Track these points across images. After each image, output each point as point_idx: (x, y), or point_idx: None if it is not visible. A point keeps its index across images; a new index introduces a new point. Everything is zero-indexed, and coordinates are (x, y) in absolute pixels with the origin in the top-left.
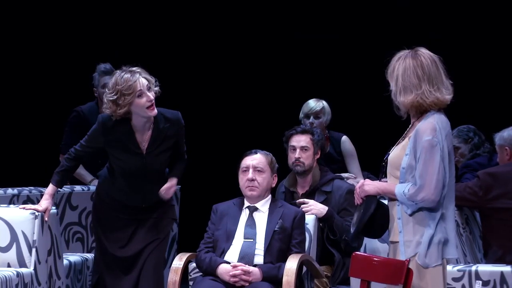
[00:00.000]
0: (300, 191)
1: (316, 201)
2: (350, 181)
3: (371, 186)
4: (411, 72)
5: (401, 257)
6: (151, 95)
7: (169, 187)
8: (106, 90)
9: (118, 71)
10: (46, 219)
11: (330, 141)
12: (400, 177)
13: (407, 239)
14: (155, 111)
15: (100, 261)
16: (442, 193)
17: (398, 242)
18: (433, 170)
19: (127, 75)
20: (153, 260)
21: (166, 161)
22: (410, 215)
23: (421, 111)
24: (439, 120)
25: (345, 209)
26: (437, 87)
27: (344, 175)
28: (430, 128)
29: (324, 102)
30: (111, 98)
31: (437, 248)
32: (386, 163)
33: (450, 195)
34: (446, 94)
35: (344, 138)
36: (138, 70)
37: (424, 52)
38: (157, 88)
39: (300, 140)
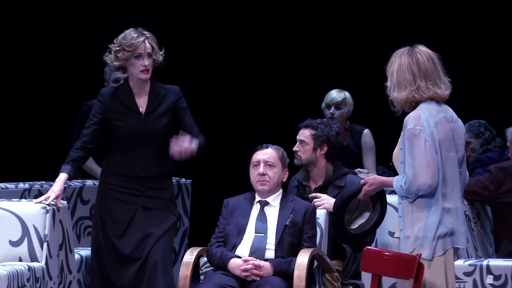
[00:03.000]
0: (313, 185)
1: (329, 195)
2: (362, 175)
3: (374, 185)
4: (405, 68)
5: (402, 250)
6: (148, 61)
7: (188, 143)
8: (114, 41)
9: (132, 28)
10: (60, 205)
11: (350, 133)
12: (400, 172)
13: (407, 235)
14: (147, 76)
15: (98, 251)
16: (438, 177)
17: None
18: (420, 157)
19: (135, 35)
20: (160, 253)
21: (165, 127)
22: (412, 202)
23: (416, 105)
24: (427, 109)
25: None
26: (435, 82)
27: (357, 170)
28: (413, 117)
29: (347, 93)
30: (113, 49)
31: (434, 241)
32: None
33: (453, 188)
34: (444, 90)
35: (366, 131)
36: (148, 35)
37: (421, 49)
38: (160, 58)
39: (301, 134)
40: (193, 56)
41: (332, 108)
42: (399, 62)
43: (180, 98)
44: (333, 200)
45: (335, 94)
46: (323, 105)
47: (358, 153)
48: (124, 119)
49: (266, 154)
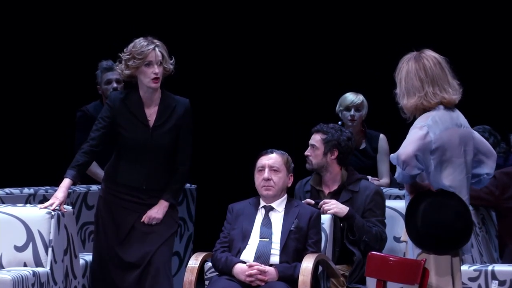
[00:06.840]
0: (326, 190)
1: (341, 199)
2: (373, 181)
3: None
4: (413, 75)
5: (409, 255)
6: (158, 69)
7: (157, 210)
8: (124, 50)
9: (142, 37)
10: (65, 210)
11: (366, 137)
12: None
13: None
14: (157, 84)
15: (100, 255)
16: (412, 163)
17: (406, 242)
18: (410, 140)
19: (145, 43)
20: (162, 259)
21: (172, 141)
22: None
23: (427, 112)
24: (437, 114)
25: (371, 209)
26: (443, 88)
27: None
28: (425, 116)
29: (362, 96)
30: (123, 57)
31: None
32: None
33: (461, 193)
34: (453, 95)
35: (382, 136)
36: (158, 43)
37: (428, 54)
38: (170, 67)
39: (312, 138)
40: (198, 62)
41: (353, 110)
42: (407, 68)
43: (188, 113)
44: (342, 205)
45: (353, 97)
46: (339, 108)
47: (375, 156)
48: (131, 129)
49: (271, 159)
